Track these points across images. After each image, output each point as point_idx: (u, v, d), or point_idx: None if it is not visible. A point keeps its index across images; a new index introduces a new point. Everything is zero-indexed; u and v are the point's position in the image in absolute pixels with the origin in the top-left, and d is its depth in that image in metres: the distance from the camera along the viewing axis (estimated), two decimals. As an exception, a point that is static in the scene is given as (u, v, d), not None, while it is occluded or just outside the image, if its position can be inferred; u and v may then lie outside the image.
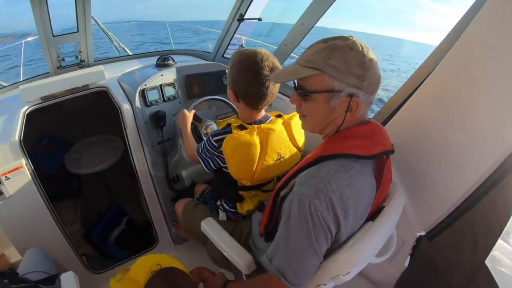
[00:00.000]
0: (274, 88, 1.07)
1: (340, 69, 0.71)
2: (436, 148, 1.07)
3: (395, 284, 1.32)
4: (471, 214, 1.04)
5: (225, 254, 1.05)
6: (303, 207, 0.71)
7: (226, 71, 1.64)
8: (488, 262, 1.05)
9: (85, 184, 2.17)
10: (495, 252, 1.21)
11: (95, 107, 2.06)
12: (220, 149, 1.08)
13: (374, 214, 0.84)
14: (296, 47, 1.65)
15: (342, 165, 0.75)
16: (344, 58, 0.71)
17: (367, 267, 1.36)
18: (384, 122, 1.23)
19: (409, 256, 1.25)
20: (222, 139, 1.07)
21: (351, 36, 0.75)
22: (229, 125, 1.12)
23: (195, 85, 1.62)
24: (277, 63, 1.07)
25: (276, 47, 1.74)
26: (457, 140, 1.01)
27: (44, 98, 1.45)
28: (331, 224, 0.73)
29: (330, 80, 0.73)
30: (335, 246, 0.80)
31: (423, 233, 1.21)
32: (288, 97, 1.64)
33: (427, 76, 1.06)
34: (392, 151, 0.82)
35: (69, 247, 1.45)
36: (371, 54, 0.74)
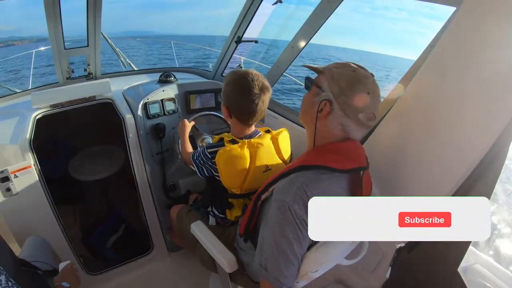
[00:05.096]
0: (263, 105, 1.19)
1: (334, 77, 0.85)
2: (412, 160, 1.10)
3: (377, 295, 1.36)
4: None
5: (211, 254, 1.13)
6: (285, 213, 0.79)
7: None
8: (468, 274, 1.10)
9: (86, 191, 2.23)
10: (476, 265, 1.25)
11: (100, 119, 2.12)
12: (214, 160, 1.18)
13: None
14: (287, 68, 1.79)
15: (318, 175, 0.84)
16: (342, 72, 0.85)
17: (350, 278, 1.41)
18: (364, 139, 1.30)
19: (390, 268, 1.28)
20: (216, 152, 1.17)
21: (372, 75, 0.87)
22: (222, 139, 1.23)
23: (194, 101, 1.74)
24: (266, 83, 1.19)
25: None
26: (431, 152, 1.04)
27: (53, 106, 1.55)
28: None
29: (324, 80, 0.87)
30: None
31: (403, 244, 1.25)
32: (279, 114, 1.78)
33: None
34: (366, 168, 0.91)
35: (68, 248, 1.52)
36: (371, 90, 0.83)
